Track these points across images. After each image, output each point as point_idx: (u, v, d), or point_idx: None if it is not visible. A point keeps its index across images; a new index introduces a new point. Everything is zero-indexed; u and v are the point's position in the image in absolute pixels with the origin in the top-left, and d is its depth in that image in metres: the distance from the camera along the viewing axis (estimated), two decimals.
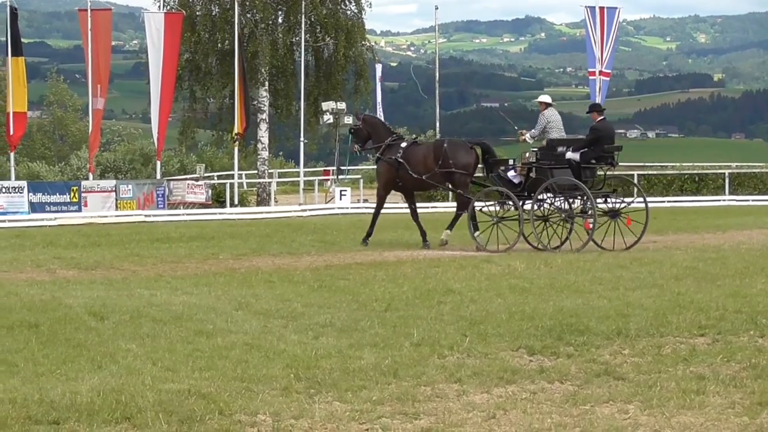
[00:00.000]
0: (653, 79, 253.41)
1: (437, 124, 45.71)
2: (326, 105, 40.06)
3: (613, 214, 18.47)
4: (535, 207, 18.31)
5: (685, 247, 17.60)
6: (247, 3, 41.64)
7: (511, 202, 18.43)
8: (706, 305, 10.26)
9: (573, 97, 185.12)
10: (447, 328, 9.48)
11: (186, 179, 40.31)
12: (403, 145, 19.97)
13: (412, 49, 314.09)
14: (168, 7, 41.95)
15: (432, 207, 32.33)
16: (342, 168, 42.50)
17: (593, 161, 18.14)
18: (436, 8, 47.46)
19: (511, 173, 18.68)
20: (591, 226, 17.92)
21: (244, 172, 45.84)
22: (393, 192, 21.03)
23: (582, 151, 18.06)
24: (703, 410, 6.65)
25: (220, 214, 33.14)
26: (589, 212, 18.02)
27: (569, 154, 18.06)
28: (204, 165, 47.29)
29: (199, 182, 37.42)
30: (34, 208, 32.07)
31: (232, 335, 9.36)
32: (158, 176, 38.08)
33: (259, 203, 40.87)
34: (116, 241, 20.99)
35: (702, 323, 9.40)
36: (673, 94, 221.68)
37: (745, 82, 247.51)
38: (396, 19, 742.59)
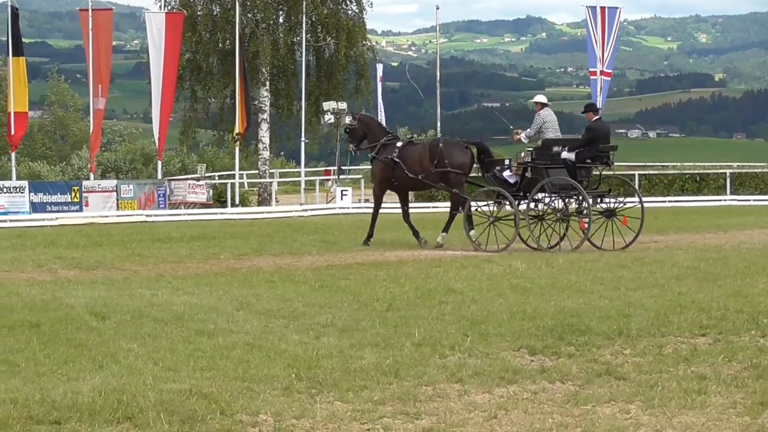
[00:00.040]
0: (654, 78, 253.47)
1: (438, 124, 45.67)
2: (327, 105, 40.07)
3: (609, 213, 18.52)
4: (531, 207, 18.36)
5: (686, 247, 17.59)
6: (248, 3, 41.66)
7: (506, 202, 18.48)
8: (707, 305, 10.25)
9: (574, 97, 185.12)
10: (448, 328, 9.48)
11: (187, 179, 40.32)
12: (399, 144, 19.99)
13: (413, 49, 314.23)
14: (169, 7, 41.98)
15: (433, 207, 32.40)
16: (343, 168, 42.50)
17: (589, 161, 18.19)
18: (437, 8, 47.39)
19: (506, 173, 18.71)
20: (586, 225, 17.94)
21: (245, 172, 45.86)
22: (390, 192, 21.02)
23: (577, 150, 18.12)
24: (705, 410, 6.65)
25: (221, 214, 33.15)
26: (585, 212, 18.06)
27: (565, 154, 18.12)
28: (205, 165, 47.35)
29: (200, 182, 37.42)
30: (36, 208, 32.08)
31: (233, 335, 9.36)
32: (159, 176, 38.10)
33: (260, 203, 40.88)
34: (117, 241, 21.00)
35: (703, 323, 9.40)
36: (674, 94, 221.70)
37: (746, 82, 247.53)
38: (397, 19, 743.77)
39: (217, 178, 45.47)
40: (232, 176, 40.01)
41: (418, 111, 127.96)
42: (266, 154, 43.20)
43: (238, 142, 38.90)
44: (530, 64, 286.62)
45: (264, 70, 41.81)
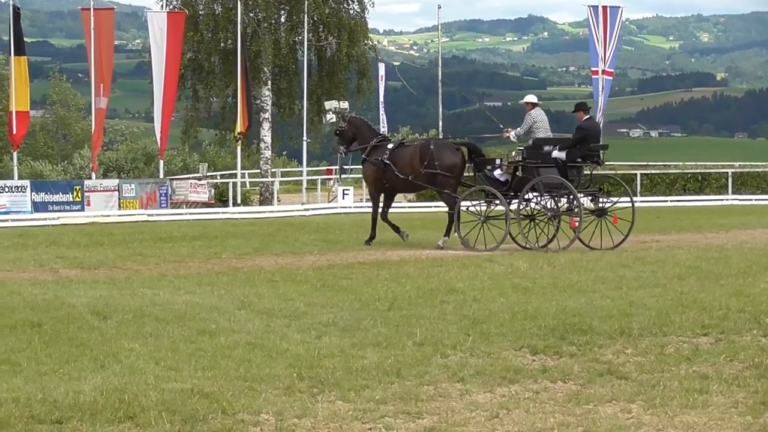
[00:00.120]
0: (656, 78, 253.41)
1: (440, 124, 45.65)
2: (329, 104, 39.97)
3: (600, 213, 18.56)
4: (522, 206, 18.43)
5: (688, 247, 17.59)
6: (250, 2, 41.66)
7: (497, 201, 18.56)
8: (709, 304, 10.25)
9: (576, 96, 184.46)
10: (450, 328, 9.48)
11: (189, 178, 40.34)
12: (390, 146, 20.05)
13: (415, 48, 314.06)
14: (171, 7, 41.99)
15: (435, 207, 32.37)
16: (345, 167, 42.48)
17: (579, 160, 18.24)
18: (439, 7, 47.33)
19: (497, 172, 18.77)
20: (577, 224, 17.98)
21: (246, 172, 45.89)
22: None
23: (568, 149, 18.18)
24: (706, 410, 6.65)
25: (222, 213, 33.15)
26: (575, 211, 18.10)
27: (555, 153, 18.19)
28: (207, 164, 47.38)
29: (202, 181, 37.43)
30: (37, 207, 32.07)
31: (235, 334, 9.36)
32: (161, 175, 38.10)
33: (261, 202, 40.88)
34: (119, 241, 21.00)
35: (705, 322, 9.40)
36: (676, 93, 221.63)
37: (748, 81, 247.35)
38: (399, 18, 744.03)
39: (218, 177, 45.48)
40: (234, 175, 40.02)
41: (420, 110, 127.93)
42: (268, 153, 43.21)
43: (239, 142, 38.90)
44: (532, 64, 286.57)
45: (266, 69, 41.81)
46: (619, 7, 40.53)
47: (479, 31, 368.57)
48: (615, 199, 19.15)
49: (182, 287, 12.95)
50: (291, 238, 21.42)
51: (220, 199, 37.44)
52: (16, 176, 36.04)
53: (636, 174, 38.93)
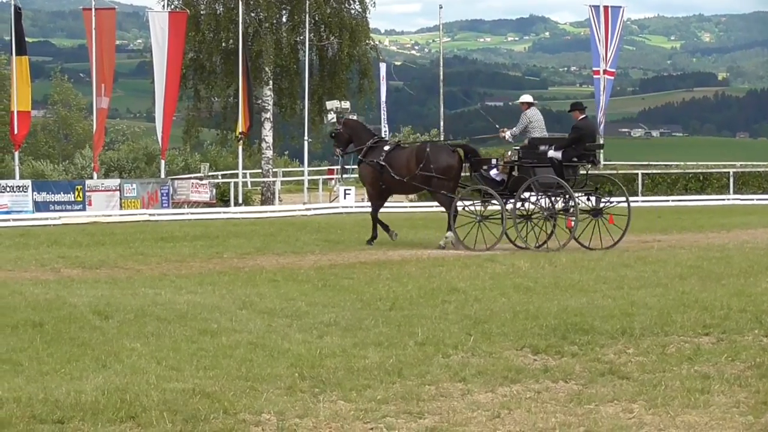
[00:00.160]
0: (657, 78, 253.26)
1: (441, 123, 45.63)
2: (330, 104, 40.02)
3: (596, 212, 18.57)
4: (518, 206, 18.45)
5: (689, 246, 17.59)
6: (251, 2, 41.66)
7: (493, 201, 18.59)
8: (710, 304, 10.25)
9: (577, 96, 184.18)
10: (451, 327, 9.48)
11: (190, 178, 40.33)
12: (386, 148, 20.10)
13: (417, 48, 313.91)
14: (172, 6, 41.99)
15: (437, 207, 32.33)
16: (346, 167, 42.50)
17: (575, 159, 18.26)
18: (441, 7, 47.32)
19: (493, 172, 18.80)
20: (573, 224, 17.99)
21: (248, 171, 45.89)
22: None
23: (564, 149, 18.20)
24: (708, 409, 6.65)
25: (224, 213, 33.14)
26: (571, 210, 18.12)
27: (551, 153, 18.22)
28: (208, 164, 47.34)
29: (204, 181, 37.42)
30: (39, 207, 32.07)
31: (236, 334, 9.36)
32: (162, 175, 38.08)
33: (263, 202, 40.88)
34: (120, 240, 21.00)
35: (706, 322, 9.40)
36: (678, 93, 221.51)
37: (750, 81, 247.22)
38: (400, 18, 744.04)
39: (220, 177, 45.48)
40: (236, 175, 40.00)
41: (422, 110, 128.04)
42: (269, 153, 43.20)
43: (241, 141, 38.91)
44: (533, 64, 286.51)
45: (267, 69, 41.81)
46: (620, 6, 40.56)
47: (480, 31, 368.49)
48: (608, 198, 19.15)
49: (184, 287, 12.95)
50: (292, 237, 21.42)
51: (222, 198, 37.43)
52: (17, 176, 36.02)
53: (637, 174, 38.91)
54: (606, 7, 39.65)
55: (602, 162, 39.91)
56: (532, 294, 11.67)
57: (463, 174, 20.07)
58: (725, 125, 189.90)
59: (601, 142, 22.81)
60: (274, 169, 44.73)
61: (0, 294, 12.38)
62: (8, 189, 32.18)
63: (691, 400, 6.82)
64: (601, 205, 18.72)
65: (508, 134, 19.29)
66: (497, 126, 20.10)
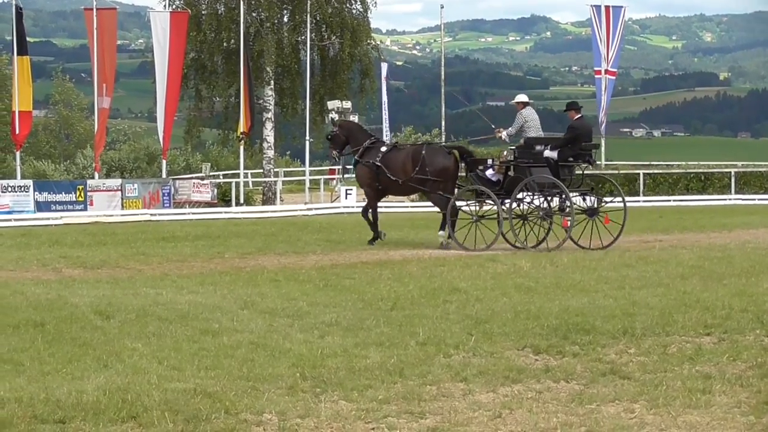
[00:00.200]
0: (659, 77, 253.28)
1: (442, 123, 45.61)
2: (332, 104, 40.06)
3: (591, 212, 18.57)
4: (514, 205, 18.45)
5: (690, 246, 17.59)
6: (253, 2, 41.66)
7: (489, 201, 18.60)
8: (712, 304, 10.25)
9: (579, 95, 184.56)
10: (453, 327, 9.48)
11: (191, 178, 40.32)
12: (383, 149, 20.10)
13: (418, 48, 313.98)
14: (173, 6, 41.96)
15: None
16: (348, 167, 42.50)
17: (571, 159, 18.25)
18: (442, 7, 47.29)
19: (489, 172, 18.80)
20: (569, 224, 17.99)
21: (249, 171, 45.87)
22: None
23: (560, 149, 18.20)
24: (709, 409, 6.65)
25: (225, 213, 33.15)
26: (567, 210, 18.12)
27: (547, 153, 18.22)
28: (209, 164, 47.30)
29: (205, 181, 37.43)
30: (40, 207, 32.07)
31: (237, 334, 9.36)
32: (164, 175, 38.10)
33: (264, 202, 40.88)
34: (122, 240, 21.00)
35: (708, 322, 9.40)
36: (679, 92, 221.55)
37: (751, 80, 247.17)
38: (401, 17, 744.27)
39: (221, 177, 45.47)
40: (237, 175, 40.01)
41: (423, 110, 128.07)
42: (271, 153, 43.21)
43: (242, 141, 38.91)
44: (535, 63, 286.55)
45: (268, 69, 41.82)
46: (621, 6, 40.58)
47: (482, 30, 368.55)
48: (611, 199, 19.13)
49: (185, 287, 12.95)
50: (294, 237, 21.42)
51: (223, 198, 37.43)
52: (19, 176, 36.01)
53: (639, 174, 38.89)
54: (607, 7, 39.66)
55: (603, 162, 40.03)
56: (534, 294, 11.67)
57: (459, 174, 20.08)
58: (727, 125, 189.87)
59: (599, 141, 22.85)
60: (275, 169, 44.73)
61: (1, 294, 12.38)
62: (10, 189, 32.18)
63: (693, 400, 6.82)
64: (601, 205, 18.71)
65: (503, 134, 19.30)
66: (493, 126, 20.11)
